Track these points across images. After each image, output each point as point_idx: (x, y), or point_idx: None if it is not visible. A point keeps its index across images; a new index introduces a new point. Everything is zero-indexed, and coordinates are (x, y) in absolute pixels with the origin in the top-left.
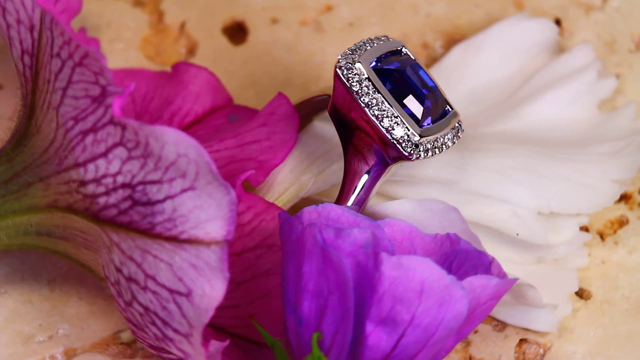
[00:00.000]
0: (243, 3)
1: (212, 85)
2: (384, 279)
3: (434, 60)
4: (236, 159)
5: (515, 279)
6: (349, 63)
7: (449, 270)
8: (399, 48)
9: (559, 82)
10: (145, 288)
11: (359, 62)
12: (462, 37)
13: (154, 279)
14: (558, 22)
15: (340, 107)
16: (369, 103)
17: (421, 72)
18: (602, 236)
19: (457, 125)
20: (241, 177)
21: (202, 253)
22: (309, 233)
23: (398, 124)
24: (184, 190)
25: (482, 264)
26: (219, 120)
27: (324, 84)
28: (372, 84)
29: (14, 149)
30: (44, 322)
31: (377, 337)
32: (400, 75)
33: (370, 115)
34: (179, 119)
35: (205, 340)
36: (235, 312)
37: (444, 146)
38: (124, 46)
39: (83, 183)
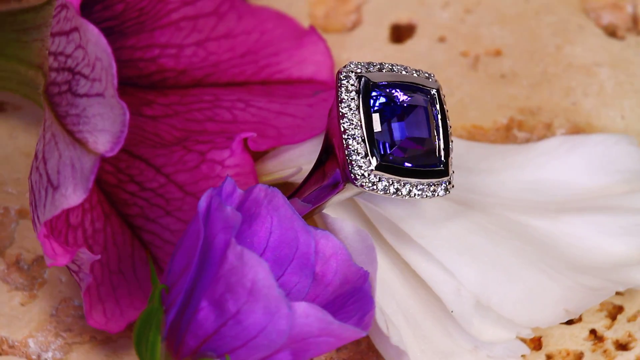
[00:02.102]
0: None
1: (321, 60)
2: (226, 263)
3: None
4: (266, 122)
5: (361, 333)
6: (353, 72)
7: (339, 302)
8: (430, 88)
9: (614, 212)
10: (37, 168)
11: (364, 75)
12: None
13: (44, 162)
14: None
15: (330, 110)
16: (345, 115)
17: (435, 118)
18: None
19: (441, 184)
20: (241, 135)
21: (84, 158)
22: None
23: (358, 146)
24: (97, 95)
25: (363, 308)
26: (305, 90)
27: None
28: (360, 100)
29: (42, 6)
30: None
31: (206, 315)
32: (404, 110)
33: (340, 127)
34: (269, 72)
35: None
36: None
37: (411, 194)
38: None
39: (50, 53)
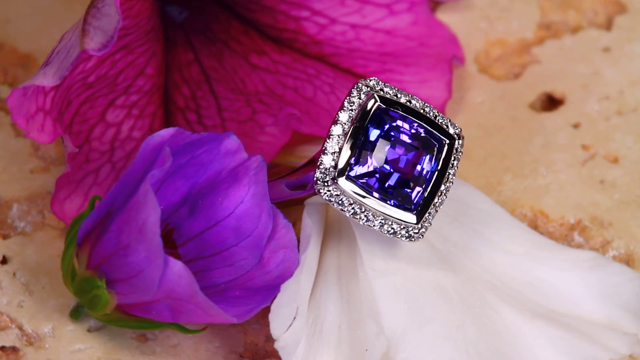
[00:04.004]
0: None
1: (439, 93)
2: (135, 196)
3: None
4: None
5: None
6: (370, 88)
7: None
8: (444, 138)
9: (590, 341)
10: (57, 44)
11: (376, 96)
12: None
13: (60, 40)
14: None
15: None
16: (338, 122)
17: (431, 167)
18: None
19: (407, 230)
20: (288, 110)
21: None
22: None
23: (332, 155)
24: None
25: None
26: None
27: None
28: (358, 114)
29: None
30: None
31: (109, 237)
32: (400, 143)
33: (329, 132)
34: (388, 77)
35: None
36: None
37: (368, 223)
38: None
39: None
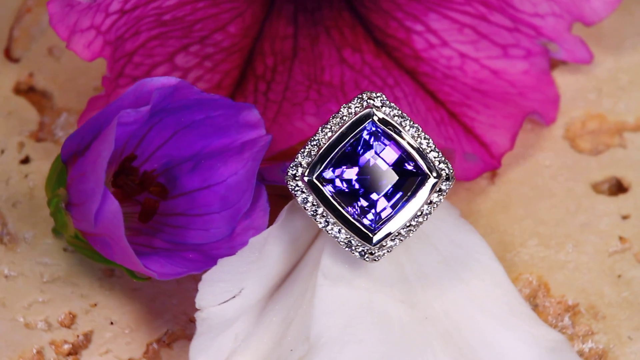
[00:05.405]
0: None
1: (502, 143)
2: (104, 129)
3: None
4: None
5: (138, 267)
6: (371, 101)
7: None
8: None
9: None
10: None
11: (374, 111)
12: None
13: None
14: None
15: None
16: (328, 123)
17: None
18: None
19: (363, 248)
20: (329, 106)
21: None
22: None
23: (309, 152)
24: None
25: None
26: (468, 144)
27: None
28: (351, 125)
29: None
30: None
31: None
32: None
33: (317, 130)
34: (464, 111)
35: None
36: None
37: (326, 229)
38: None
39: None
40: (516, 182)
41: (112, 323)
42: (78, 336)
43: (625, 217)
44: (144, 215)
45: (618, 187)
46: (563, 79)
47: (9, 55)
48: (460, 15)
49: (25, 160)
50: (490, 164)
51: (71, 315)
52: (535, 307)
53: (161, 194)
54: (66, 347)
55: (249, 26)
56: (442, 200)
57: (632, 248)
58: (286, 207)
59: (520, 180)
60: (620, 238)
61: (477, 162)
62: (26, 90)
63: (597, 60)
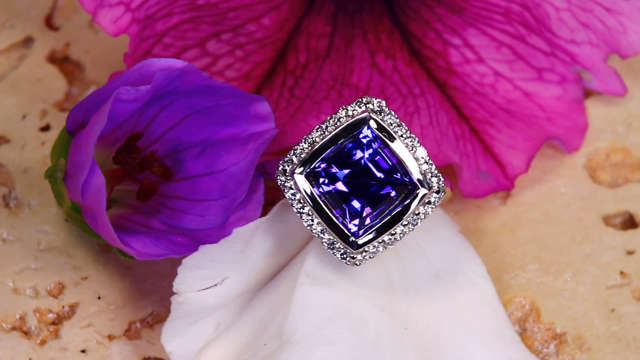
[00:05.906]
0: None
1: (519, 166)
2: (102, 104)
3: None
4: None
5: (123, 248)
6: (371, 106)
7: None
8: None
9: None
10: None
11: (372, 116)
12: None
13: None
14: None
15: None
16: (324, 123)
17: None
18: None
19: (345, 251)
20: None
21: None
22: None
23: (302, 149)
24: None
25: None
26: (482, 164)
27: None
28: (346, 127)
29: None
30: None
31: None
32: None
33: (313, 128)
34: (486, 128)
35: None
36: None
37: (311, 228)
38: None
39: None
40: (527, 205)
41: (99, 298)
42: (63, 307)
43: (630, 253)
44: (142, 194)
45: (630, 222)
46: (594, 109)
47: (49, 23)
48: (499, 33)
49: (46, 128)
50: (503, 184)
51: (60, 286)
52: (523, 331)
53: (164, 175)
54: (50, 316)
55: (284, 20)
56: (430, 213)
57: (631, 284)
58: (279, 202)
59: (532, 203)
60: (621, 273)
61: (490, 180)
62: (61, 60)
63: (631, 94)
